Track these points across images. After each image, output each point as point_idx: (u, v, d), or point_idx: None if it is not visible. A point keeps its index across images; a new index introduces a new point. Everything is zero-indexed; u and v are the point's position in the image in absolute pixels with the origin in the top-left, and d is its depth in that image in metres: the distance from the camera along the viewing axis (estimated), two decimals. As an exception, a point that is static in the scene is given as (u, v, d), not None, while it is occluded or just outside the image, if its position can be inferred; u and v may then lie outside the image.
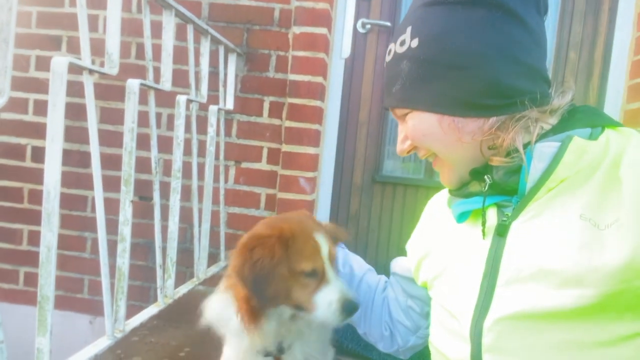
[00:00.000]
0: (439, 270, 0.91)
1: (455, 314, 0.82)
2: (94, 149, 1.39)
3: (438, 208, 1.04)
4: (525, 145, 0.79)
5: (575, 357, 0.68)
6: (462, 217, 0.87)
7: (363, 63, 2.65)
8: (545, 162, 0.76)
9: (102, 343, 1.51)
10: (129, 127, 1.53)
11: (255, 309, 1.00)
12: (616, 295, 0.64)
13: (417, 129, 0.86)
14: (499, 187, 0.82)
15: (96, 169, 1.42)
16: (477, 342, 0.76)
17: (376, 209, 2.75)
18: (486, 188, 0.82)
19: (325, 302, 0.98)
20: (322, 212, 2.78)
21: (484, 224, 0.83)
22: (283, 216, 1.35)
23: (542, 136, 0.80)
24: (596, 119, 0.80)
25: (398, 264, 1.16)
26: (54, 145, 1.17)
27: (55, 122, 1.18)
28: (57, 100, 1.18)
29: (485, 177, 0.82)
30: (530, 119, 0.79)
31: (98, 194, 1.43)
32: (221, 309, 1.08)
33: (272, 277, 0.95)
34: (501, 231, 0.80)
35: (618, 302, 0.64)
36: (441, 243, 0.94)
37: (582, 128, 0.79)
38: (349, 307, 0.99)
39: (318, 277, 1.01)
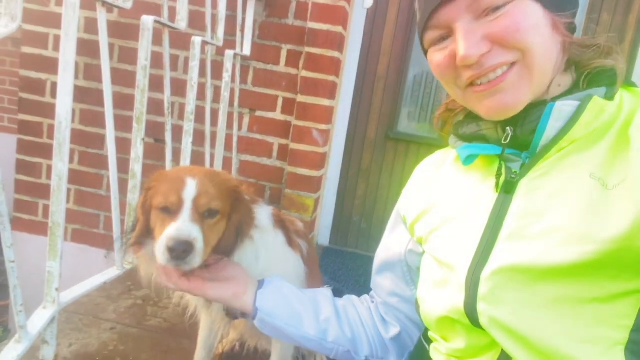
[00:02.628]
0: (437, 223, 0.91)
1: (452, 264, 0.83)
2: (106, 85, 1.40)
3: (435, 166, 1.02)
4: (542, 102, 0.78)
5: (568, 311, 0.68)
6: (468, 159, 0.85)
7: (385, 15, 2.56)
8: (562, 121, 0.74)
9: (112, 272, 1.59)
10: (142, 65, 1.54)
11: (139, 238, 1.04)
12: (617, 253, 0.63)
13: (529, 19, 0.74)
14: (514, 141, 0.80)
15: (108, 107, 1.44)
16: (473, 291, 0.77)
17: (388, 165, 2.74)
18: (508, 140, 0.80)
19: (162, 236, 0.93)
20: (334, 166, 2.79)
21: (498, 176, 0.81)
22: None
23: (564, 94, 0.78)
24: (611, 78, 0.78)
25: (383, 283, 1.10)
26: (66, 75, 1.19)
27: (67, 52, 1.18)
28: (69, 30, 1.18)
29: (508, 128, 0.80)
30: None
31: (110, 130, 1.46)
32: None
33: (148, 212, 1.01)
34: (508, 188, 0.79)
35: (618, 260, 0.64)
36: (443, 197, 0.93)
37: (598, 87, 0.76)
38: (175, 245, 0.91)
39: (171, 215, 0.97)
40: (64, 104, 1.19)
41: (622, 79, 0.78)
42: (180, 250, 0.90)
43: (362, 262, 2.70)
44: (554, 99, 0.77)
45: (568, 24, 0.79)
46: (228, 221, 1.03)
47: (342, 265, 2.62)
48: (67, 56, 1.18)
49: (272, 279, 1.07)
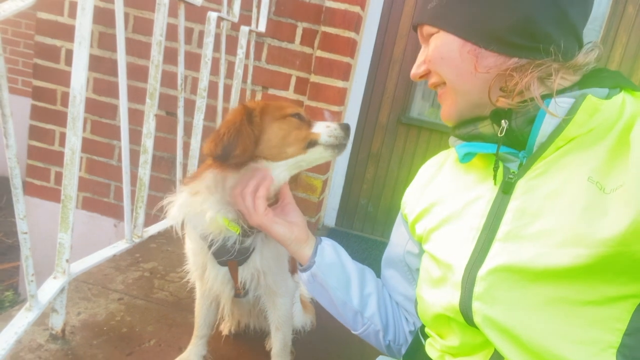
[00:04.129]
0: (437, 222, 0.91)
1: (450, 263, 0.84)
2: (121, 57, 1.40)
3: (437, 167, 1.03)
4: (542, 97, 0.76)
5: (562, 313, 0.69)
6: (466, 157, 0.86)
7: (405, -4, 2.50)
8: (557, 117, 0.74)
9: (121, 245, 1.62)
10: (157, 40, 1.53)
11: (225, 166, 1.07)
12: (613, 258, 0.64)
13: (438, 51, 0.85)
14: (511, 136, 0.80)
15: (122, 80, 1.44)
16: (468, 289, 0.78)
17: (398, 150, 2.73)
18: (502, 133, 0.80)
19: (324, 129, 1.10)
20: (344, 148, 2.78)
21: (496, 169, 0.82)
22: None
23: (560, 92, 0.77)
24: (616, 81, 0.77)
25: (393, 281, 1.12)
26: (81, 49, 1.18)
27: (84, 26, 1.18)
28: (86, 3, 1.17)
29: (503, 121, 0.81)
30: (551, 68, 0.76)
31: (123, 103, 1.46)
32: (183, 202, 1.12)
33: (239, 137, 1.03)
34: (506, 189, 0.79)
35: (613, 264, 0.65)
36: (443, 197, 0.94)
37: (600, 88, 0.76)
38: (346, 126, 1.12)
39: (305, 121, 1.12)
40: (79, 78, 1.19)
41: (614, 82, 0.77)
42: (348, 128, 1.11)
43: (366, 245, 2.72)
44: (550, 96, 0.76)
45: (513, 60, 0.79)
46: None
47: (347, 248, 2.60)
48: (83, 30, 1.17)
49: (329, 240, 1.10)
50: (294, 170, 1.12)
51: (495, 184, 0.82)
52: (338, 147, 1.10)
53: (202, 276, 1.25)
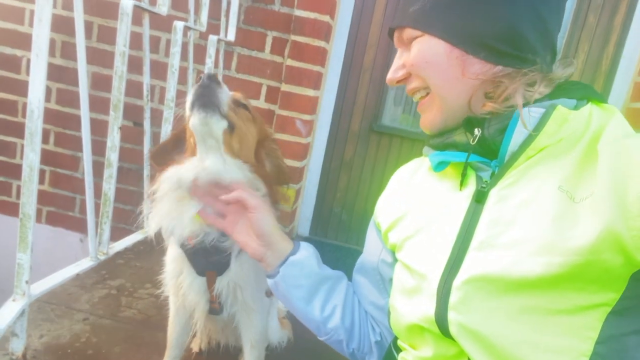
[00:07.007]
0: (412, 231, 0.91)
1: (424, 273, 0.83)
2: (81, 68, 1.35)
3: (410, 174, 1.03)
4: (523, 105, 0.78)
5: (535, 321, 0.70)
6: (439, 166, 0.86)
7: (374, 6, 2.53)
8: (529, 127, 0.76)
9: (85, 263, 1.56)
10: (120, 51, 1.49)
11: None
12: (584, 266, 0.65)
13: (422, 55, 0.83)
14: (483, 145, 0.81)
15: (83, 90, 1.39)
16: (444, 300, 0.77)
17: (370, 158, 2.74)
18: (475, 141, 0.81)
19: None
20: (316, 156, 2.77)
21: (464, 175, 0.83)
22: None
23: (533, 102, 0.78)
24: (583, 92, 0.80)
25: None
26: (39, 62, 1.14)
27: (41, 37, 1.13)
28: (43, 14, 1.13)
29: (476, 129, 0.81)
30: (535, 77, 0.79)
31: (84, 114, 1.41)
32: (160, 213, 1.09)
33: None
34: (479, 198, 0.80)
35: (585, 274, 0.66)
36: (417, 205, 0.93)
37: (568, 98, 0.78)
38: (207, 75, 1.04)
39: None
40: (37, 92, 1.14)
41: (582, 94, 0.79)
42: (209, 77, 1.01)
43: (341, 253, 2.70)
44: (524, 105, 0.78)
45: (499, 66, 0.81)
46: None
47: (321, 256, 2.61)
48: (41, 41, 1.13)
49: (307, 247, 1.06)
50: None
51: (460, 189, 0.83)
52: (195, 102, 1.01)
53: (177, 287, 1.21)
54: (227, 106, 1.02)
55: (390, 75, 0.90)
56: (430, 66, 0.83)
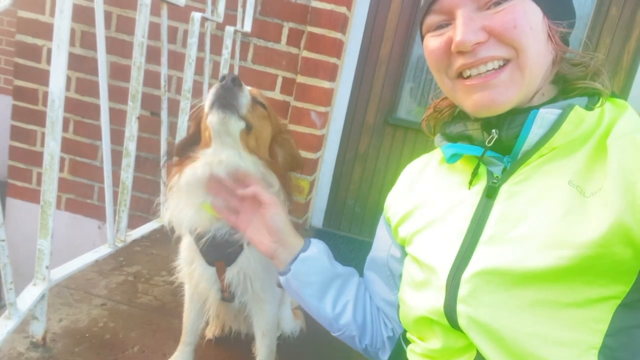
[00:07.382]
0: (421, 225, 0.91)
1: (433, 266, 0.84)
2: (101, 57, 1.37)
3: (419, 170, 1.02)
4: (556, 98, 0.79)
5: (545, 315, 0.70)
6: (453, 158, 0.86)
7: (391, -3, 2.50)
8: (545, 128, 0.75)
9: (103, 250, 1.59)
10: (139, 42, 1.51)
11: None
12: (593, 259, 0.65)
13: (528, 20, 0.74)
14: (498, 144, 0.81)
15: (102, 79, 1.41)
16: (453, 292, 0.78)
17: (385, 151, 2.73)
18: (491, 142, 0.81)
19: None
20: (331, 148, 2.77)
21: (474, 175, 0.82)
22: None
23: (548, 102, 0.78)
24: (595, 88, 0.78)
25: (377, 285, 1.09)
26: (60, 52, 1.16)
27: (62, 29, 1.15)
28: (64, 5, 1.15)
29: (493, 130, 0.81)
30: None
31: (104, 104, 1.44)
32: (174, 206, 1.12)
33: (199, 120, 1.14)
34: (490, 193, 0.80)
35: (594, 267, 0.66)
36: (427, 199, 0.94)
37: (580, 96, 0.78)
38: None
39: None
40: (58, 81, 1.16)
41: (606, 97, 0.78)
42: (232, 80, 1.01)
43: (354, 245, 2.71)
44: (537, 107, 0.77)
45: (563, 35, 0.80)
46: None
47: (334, 248, 2.61)
48: (62, 33, 1.15)
49: (318, 243, 1.06)
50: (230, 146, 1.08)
51: (469, 187, 0.83)
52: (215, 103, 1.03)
53: (190, 275, 1.24)
54: (246, 108, 1.04)
55: (469, 36, 0.74)
56: (533, 32, 0.74)
